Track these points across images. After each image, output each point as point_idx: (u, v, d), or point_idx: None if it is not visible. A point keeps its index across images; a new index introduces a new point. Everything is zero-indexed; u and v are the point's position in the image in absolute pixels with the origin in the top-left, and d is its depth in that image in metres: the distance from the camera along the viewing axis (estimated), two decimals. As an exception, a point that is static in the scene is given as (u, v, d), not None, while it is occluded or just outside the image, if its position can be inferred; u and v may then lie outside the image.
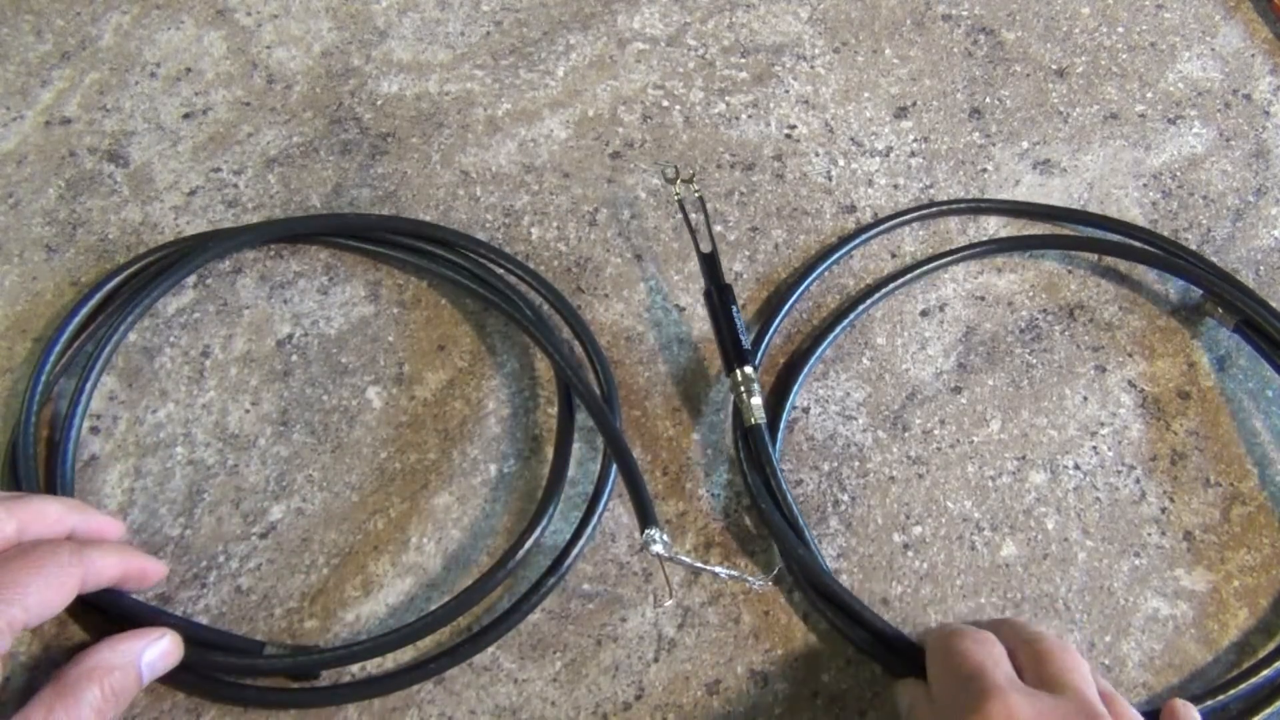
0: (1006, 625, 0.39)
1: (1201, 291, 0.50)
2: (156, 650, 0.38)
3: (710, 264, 0.47)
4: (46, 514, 0.38)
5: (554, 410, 0.46)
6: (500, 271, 0.49)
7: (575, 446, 0.45)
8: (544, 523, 0.42)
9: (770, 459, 0.43)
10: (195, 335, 0.49)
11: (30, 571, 0.35)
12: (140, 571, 0.40)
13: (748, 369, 0.44)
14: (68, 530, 0.39)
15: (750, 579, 0.42)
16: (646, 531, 0.38)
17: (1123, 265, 0.52)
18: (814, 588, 0.41)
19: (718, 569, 0.40)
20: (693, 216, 0.49)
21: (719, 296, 0.46)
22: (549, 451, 0.45)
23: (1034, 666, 0.36)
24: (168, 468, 0.45)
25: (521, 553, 0.41)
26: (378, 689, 0.40)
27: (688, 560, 0.40)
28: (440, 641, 0.41)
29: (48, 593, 0.36)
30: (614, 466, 0.43)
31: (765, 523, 0.42)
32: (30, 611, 0.35)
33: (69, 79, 0.58)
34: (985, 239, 0.52)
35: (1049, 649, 0.36)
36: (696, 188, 0.50)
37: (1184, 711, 0.37)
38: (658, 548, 0.38)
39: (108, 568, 0.38)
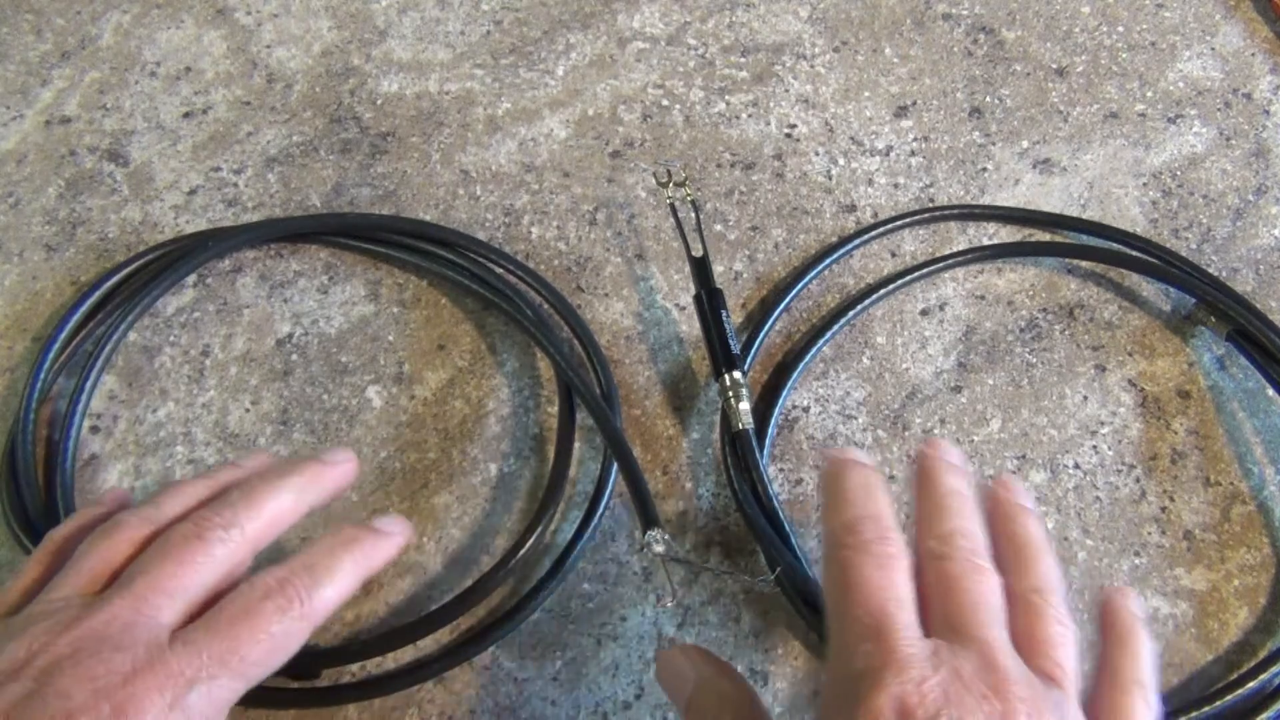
0: (922, 486, 0.34)
1: (1195, 299, 0.50)
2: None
3: (701, 268, 0.47)
4: (279, 519, 0.35)
5: (554, 409, 0.46)
6: (500, 271, 0.49)
7: (576, 446, 0.45)
8: (545, 522, 0.42)
9: (757, 464, 0.43)
10: (195, 334, 0.49)
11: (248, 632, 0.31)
12: (381, 557, 0.36)
13: (736, 374, 0.44)
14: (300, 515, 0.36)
15: (751, 580, 0.42)
16: (649, 532, 0.38)
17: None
18: (800, 595, 0.41)
19: (719, 570, 0.40)
20: (688, 218, 0.49)
21: (709, 301, 0.46)
22: (549, 451, 0.45)
23: (939, 595, 0.31)
24: (168, 467, 0.45)
25: (523, 553, 0.41)
26: (378, 689, 0.40)
27: (690, 561, 0.40)
28: (441, 641, 0.41)
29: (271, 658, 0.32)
30: (615, 466, 0.43)
31: (750, 528, 0.42)
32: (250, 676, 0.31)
33: (69, 78, 0.58)
34: (983, 245, 0.52)
35: (955, 574, 0.31)
36: (688, 191, 0.50)
37: (932, 462, 0.34)
38: (660, 548, 0.38)
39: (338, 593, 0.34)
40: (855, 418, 0.47)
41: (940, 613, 0.31)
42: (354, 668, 0.40)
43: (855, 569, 0.31)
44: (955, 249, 0.52)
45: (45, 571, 0.34)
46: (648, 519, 0.38)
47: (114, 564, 0.33)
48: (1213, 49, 0.61)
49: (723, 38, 0.61)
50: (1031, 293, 0.51)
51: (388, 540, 0.36)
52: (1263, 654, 0.41)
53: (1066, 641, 0.31)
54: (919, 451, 0.36)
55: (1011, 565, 0.33)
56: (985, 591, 0.31)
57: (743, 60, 0.60)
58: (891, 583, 0.31)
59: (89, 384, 0.45)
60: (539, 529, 0.42)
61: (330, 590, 0.34)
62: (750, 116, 0.57)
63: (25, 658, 0.30)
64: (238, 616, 0.32)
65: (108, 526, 0.34)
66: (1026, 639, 0.31)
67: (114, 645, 0.30)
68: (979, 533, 0.33)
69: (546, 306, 0.49)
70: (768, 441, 0.45)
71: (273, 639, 0.32)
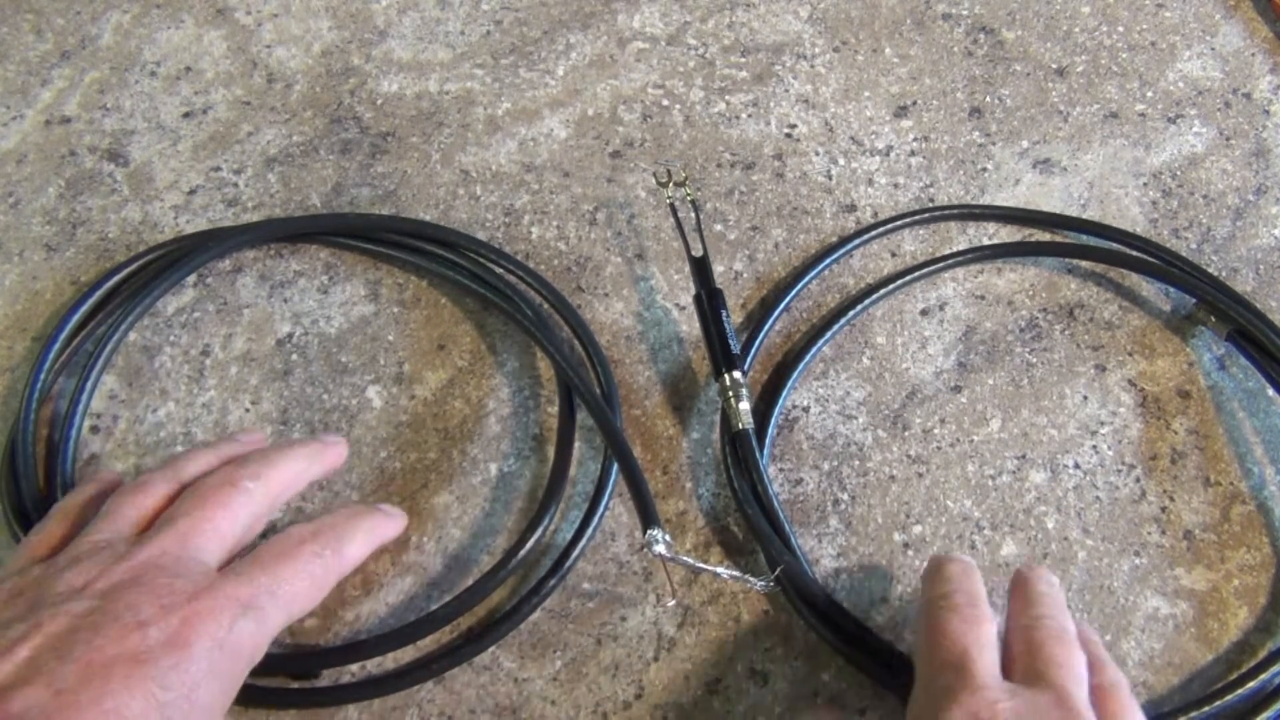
0: (1016, 591, 0.38)
1: (1195, 299, 0.50)
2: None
3: (701, 268, 0.47)
4: (293, 481, 0.39)
5: (554, 409, 0.46)
6: (500, 271, 0.49)
7: (576, 446, 0.45)
8: (545, 522, 0.42)
9: (757, 464, 0.43)
10: (195, 334, 0.49)
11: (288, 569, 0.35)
12: (386, 533, 0.40)
13: (736, 374, 0.44)
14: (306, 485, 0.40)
15: (752, 580, 0.42)
16: (649, 532, 0.38)
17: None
18: (800, 595, 0.41)
19: (719, 569, 0.40)
20: (688, 218, 0.49)
21: (709, 301, 0.46)
22: (549, 451, 0.45)
23: (1023, 656, 0.34)
24: (168, 467, 0.45)
25: (523, 552, 0.41)
26: (378, 689, 0.40)
27: (690, 561, 0.40)
28: (441, 641, 0.41)
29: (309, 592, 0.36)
30: (615, 466, 0.43)
31: (751, 528, 0.42)
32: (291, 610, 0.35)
33: (69, 78, 0.58)
34: (983, 245, 0.52)
35: (1040, 640, 0.34)
36: (688, 191, 0.50)
37: (1030, 574, 0.38)
38: (660, 548, 0.38)
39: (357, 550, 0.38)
40: (855, 418, 0.47)
41: (1023, 668, 0.34)
42: (354, 668, 0.40)
43: (945, 622, 0.35)
44: (955, 249, 0.52)
45: (70, 529, 0.36)
46: (648, 519, 0.38)
47: (147, 513, 0.35)
48: (1213, 49, 0.61)
49: (723, 38, 0.61)
50: (1031, 293, 0.51)
51: (391, 520, 0.40)
52: (1262, 654, 0.41)
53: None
54: (1017, 570, 0.39)
55: (1093, 667, 0.35)
56: (1068, 654, 0.34)
57: (743, 60, 0.60)
58: (976, 633, 0.34)
59: (89, 384, 0.45)
60: (539, 529, 0.42)
61: (352, 548, 0.37)
62: (750, 116, 0.57)
63: (84, 583, 0.31)
64: (280, 555, 0.34)
65: (136, 482, 0.37)
66: (1102, 713, 0.33)
67: (171, 573, 0.32)
68: (1069, 622, 0.36)
69: (546, 306, 0.49)
70: (768, 441, 0.45)
71: (311, 578, 0.35)
